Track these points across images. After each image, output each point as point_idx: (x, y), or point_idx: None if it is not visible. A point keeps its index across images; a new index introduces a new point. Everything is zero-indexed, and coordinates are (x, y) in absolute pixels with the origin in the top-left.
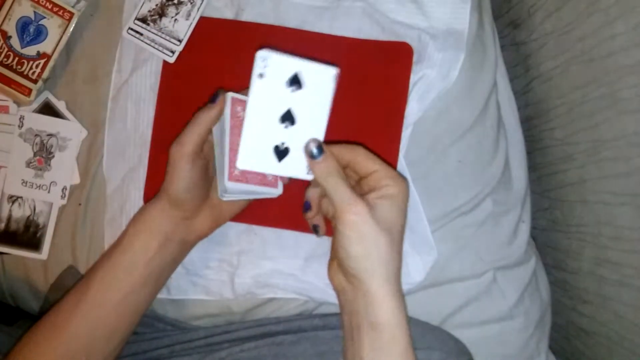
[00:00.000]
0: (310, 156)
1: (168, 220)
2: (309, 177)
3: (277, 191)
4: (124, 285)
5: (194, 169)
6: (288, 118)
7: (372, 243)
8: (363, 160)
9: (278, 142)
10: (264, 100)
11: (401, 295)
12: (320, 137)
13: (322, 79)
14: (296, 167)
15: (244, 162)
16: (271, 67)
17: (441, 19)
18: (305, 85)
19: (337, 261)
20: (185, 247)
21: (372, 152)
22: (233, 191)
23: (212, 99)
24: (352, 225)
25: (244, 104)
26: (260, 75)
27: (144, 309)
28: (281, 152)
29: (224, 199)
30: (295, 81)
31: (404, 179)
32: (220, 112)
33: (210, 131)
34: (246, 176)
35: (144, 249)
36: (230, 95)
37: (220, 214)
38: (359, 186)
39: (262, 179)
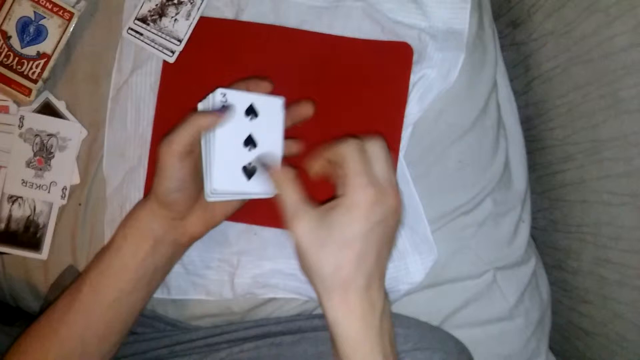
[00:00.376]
0: (265, 169)
1: (158, 221)
2: (274, 194)
3: (269, 193)
4: (115, 289)
5: (183, 168)
6: (250, 142)
7: (315, 258)
8: (345, 161)
9: (246, 163)
10: (228, 129)
11: (367, 317)
12: (279, 155)
13: (272, 108)
14: (264, 184)
15: (218, 183)
16: (229, 101)
17: (441, 18)
18: (260, 114)
19: None
20: (178, 249)
21: (362, 153)
22: (221, 192)
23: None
24: (293, 238)
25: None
26: (223, 107)
27: (137, 311)
28: (249, 172)
29: (209, 199)
30: (251, 111)
31: (368, 186)
32: (218, 121)
33: (200, 134)
34: None
35: (135, 252)
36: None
37: (213, 215)
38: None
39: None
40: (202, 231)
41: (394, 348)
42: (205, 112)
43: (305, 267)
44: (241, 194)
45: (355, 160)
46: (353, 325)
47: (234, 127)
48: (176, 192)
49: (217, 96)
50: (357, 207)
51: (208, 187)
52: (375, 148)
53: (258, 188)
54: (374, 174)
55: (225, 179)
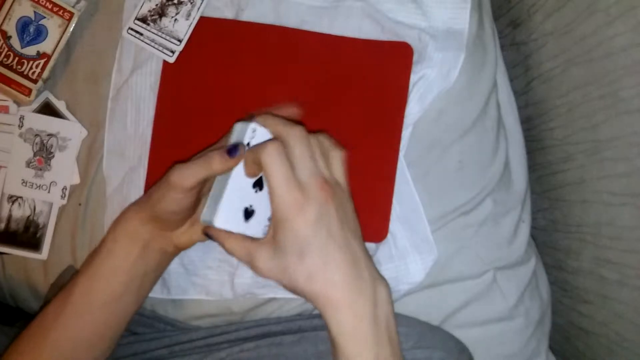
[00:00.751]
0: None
1: (147, 229)
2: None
3: (262, 236)
4: (106, 292)
5: (186, 199)
6: (259, 184)
7: (282, 282)
8: (264, 170)
9: (247, 205)
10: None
11: (339, 304)
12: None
13: None
14: (256, 227)
15: (220, 222)
16: (257, 138)
17: (441, 18)
18: None
19: None
20: (165, 256)
21: (281, 156)
22: (220, 227)
23: (231, 150)
24: (261, 277)
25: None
26: (248, 145)
27: (129, 315)
28: (249, 214)
29: (214, 223)
30: None
31: (290, 193)
32: (234, 166)
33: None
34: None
35: (125, 256)
36: (253, 126)
37: (201, 232)
38: None
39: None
40: (188, 244)
41: (394, 335)
42: (222, 155)
43: (289, 290)
44: (238, 231)
45: (274, 170)
46: (343, 320)
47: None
48: (171, 214)
49: (249, 131)
50: (288, 220)
51: (208, 216)
52: (295, 144)
53: (251, 230)
54: (296, 175)
55: (227, 218)
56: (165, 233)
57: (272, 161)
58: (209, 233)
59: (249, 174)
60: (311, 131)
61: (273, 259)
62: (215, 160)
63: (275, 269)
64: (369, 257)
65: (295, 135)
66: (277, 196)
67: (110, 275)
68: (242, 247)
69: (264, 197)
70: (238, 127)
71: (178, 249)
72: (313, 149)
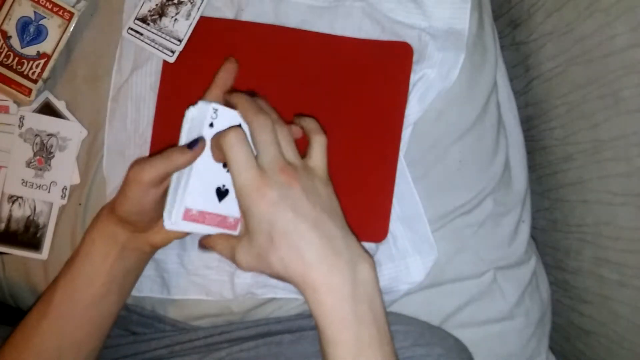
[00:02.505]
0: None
1: (122, 230)
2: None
3: (234, 232)
4: (88, 294)
5: (148, 197)
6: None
7: (265, 271)
8: (226, 157)
9: (220, 184)
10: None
11: (318, 286)
12: None
13: None
14: (234, 207)
15: (192, 202)
16: (220, 118)
17: (441, 18)
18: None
19: None
20: (144, 256)
21: (242, 143)
22: (183, 228)
23: (192, 144)
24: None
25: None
26: (211, 125)
27: (113, 315)
28: (222, 193)
29: (167, 227)
30: None
31: (250, 181)
32: (194, 159)
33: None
34: (204, 216)
35: (104, 256)
36: (214, 107)
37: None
38: None
39: (222, 221)
40: (164, 243)
41: (379, 314)
42: (182, 150)
43: (274, 278)
44: (203, 225)
45: (233, 156)
46: (322, 300)
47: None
48: (136, 215)
49: (209, 111)
50: (251, 206)
51: (175, 210)
52: (259, 131)
53: (228, 210)
54: (258, 161)
55: (199, 198)
56: (138, 235)
57: (232, 148)
58: (201, 242)
59: (217, 160)
60: (300, 115)
61: (250, 250)
62: (175, 154)
63: (253, 261)
64: (351, 236)
65: (259, 122)
66: (237, 183)
67: (90, 278)
68: (225, 244)
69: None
70: (199, 105)
71: (155, 248)
72: (278, 135)
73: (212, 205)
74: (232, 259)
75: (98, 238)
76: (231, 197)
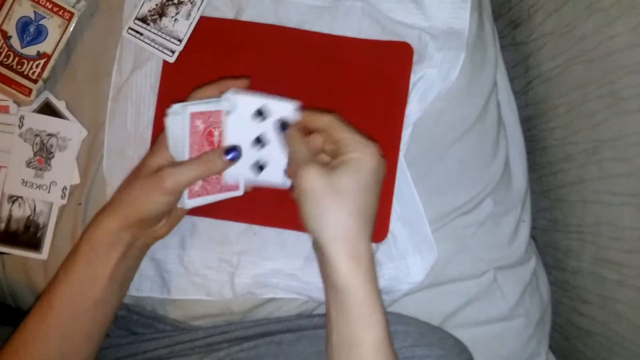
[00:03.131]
0: (280, 130)
1: (129, 233)
2: (287, 184)
3: (238, 193)
4: (87, 299)
5: (169, 204)
6: (259, 141)
7: (322, 204)
8: (334, 128)
9: (254, 160)
10: (236, 131)
11: (362, 259)
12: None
13: (285, 111)
14: (274, 176)
15: (229, 175)
16: (239, 105)
17: (441, 18)
18: (270, 116)
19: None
20: (145, 249)
21: (346, 122)
22: (193, 205)
23: (229, 150)
24: (301, 186)
25: (204, 116)
26: (227, 113)
27: (112, 313)
28: (260, 167)
29: (186, 207)
30: (259, 114)
31: (370, 145)
32: (221, 171)
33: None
34: (206, 188)
35: (106, 261)
36: (189, 110)
37: (177, 216)
38: (330, 153)
39: (222, 186)
40: (168, 232)
41: (377, 286)
42: (216, 156)
43: (308, 215)
44: (214, 199)
45: (346, 127)
46: (360, 276)
47: (242, 129)
48: (162, 214)
49: (223, 102)
50: (365, 163)
51: (181, 200)
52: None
53: (268, 180)
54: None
55: (234, 172)
56: (145, 231)
57: (338, 121)
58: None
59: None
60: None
61: (325, 178)
62: (215, 162)
63: (319, 186)
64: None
65: (329, 119)
66: (359, 144)
67: (91, 283)
68: (305, 152)
69: (274, 150)
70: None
71: (157, 239)
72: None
73: (250, 176)
74: (300, 167)
75: (98, 245)
76: (270, 169)
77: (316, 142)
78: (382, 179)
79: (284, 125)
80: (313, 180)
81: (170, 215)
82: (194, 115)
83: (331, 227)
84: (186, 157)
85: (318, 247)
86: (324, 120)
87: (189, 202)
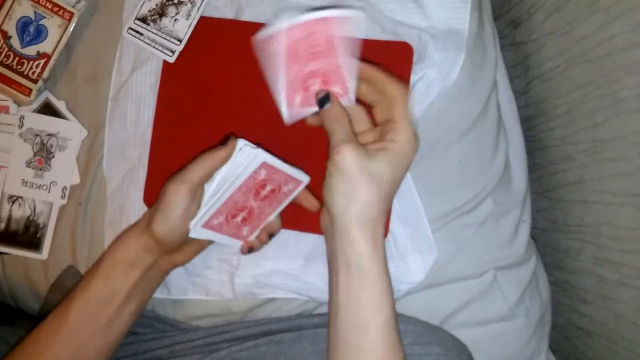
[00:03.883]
0: (320, 105)
1: (150, 254)
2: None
3: (239, 245)
4: (103, 316)
5: (188, 210)
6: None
7: (354, 184)
8: (396, 103)
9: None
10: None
11: (379, 244)
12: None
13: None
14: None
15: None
16: (246, 157)
17: (441, 18)
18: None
19: (325, 205)
20: (164, 274)
21: (404, 102)
22: (200, 235)
23: (222, 142)
24: (337, 163)
25: (272, 170)
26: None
27: (126, 331)
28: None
29: (192, 234)
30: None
31: (415, 139)
32: (228, 157)
33: (212, 174)
34: (222, 226)
35: (124, 280)
36: (262, 157)
37: (201, 245)
38: (378, 130)
39: (236, 232)
40: (188, 260)
41: (388, 270)
42: (217, 149)
43: (337, 192)
44: (218, 239)
45: (405, 110)
46: (378, 258)
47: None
48: (174, 234)
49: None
50: (406, 156)
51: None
52: (409, 99)
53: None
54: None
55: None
56: (165, 256)
57: (404, 99)
58: (325, 110)
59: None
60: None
61: (363, 160)
62: (208, 155)
63: (355, 166)
64: None
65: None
66: (407, 135)
67: (108, 301)
68: (347, 130)
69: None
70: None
71: (177, 266)
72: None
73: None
74: (340, 143)
75: (119, 262)
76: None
77: (359, 126)
78: None
79: (322, 101)
80: (351, 160)
81: (190, 244)
82: (264, 165)
83: (359, 209)
84: (227, 191)
85: (335, 226)
86: (392, 90)
87: (199, 231)
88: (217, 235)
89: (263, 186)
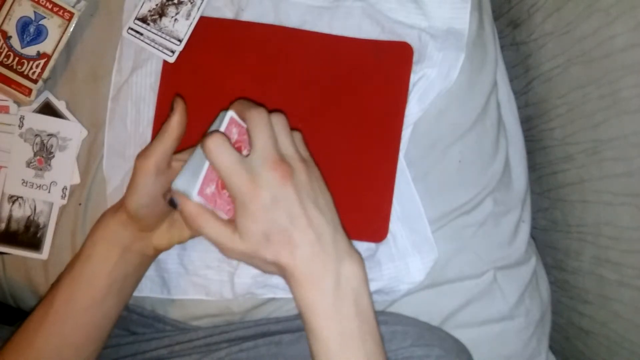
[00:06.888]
0: (173, 206)
1: (126, 231)
2: None
3: (225, 217)
4: (87, 296)
5: (156, 184)
6: None
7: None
8: (250, 128)
9: None
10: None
11: (302, 279)
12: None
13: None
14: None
15: (197, 193)
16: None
17: (441, 18)
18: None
19: None
20: (145, 259)
21: (270, 127)
22: (198, 200)
23: (171, 107)
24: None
25: (242, 130)
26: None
27: (112, 319)
28: None
29: (194, 199)
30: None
31: (278, 165)
32: (181, 120)
33: (176, 144)
34: (215, 199)
35: (105, 259)
36: (229, 114)
37: (182, 232)
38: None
39: (230, 209)
40: (167, 245)
41: (365, 309)
42: (167, 120)
43: (261, 269)
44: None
45: (218, 163)
46: (305, 294)
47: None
48: (145, 207)
49: (226, 119)
50: (245, 207)
51: (184, 185)
52: (280, 122)
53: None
54: (251, 158)
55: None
56: (144, 235)
57: (212, 154)
58: (174, 200)
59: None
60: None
61: (241, 245)
62: (165, 126)
63: (241, 255)
64: (340, 232)
65: (252, 117)
66: (228, 187)
67: (90, 280)
68: (214, 228)
69: None
70: (220, 115)
71: (158, 251)
72: (274, 127)
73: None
74: (219, 245)
75: (99, 240)
76: None
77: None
78: (314, 186)
79: (172, 202)
80: (232, 254)
81: (168, 226)
82: (232, 122)
83: (272, 264)
84: (197, 186)
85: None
86: (250, 120)
87: (196, 198)
88: (210, 207)
89: (239, 149)
